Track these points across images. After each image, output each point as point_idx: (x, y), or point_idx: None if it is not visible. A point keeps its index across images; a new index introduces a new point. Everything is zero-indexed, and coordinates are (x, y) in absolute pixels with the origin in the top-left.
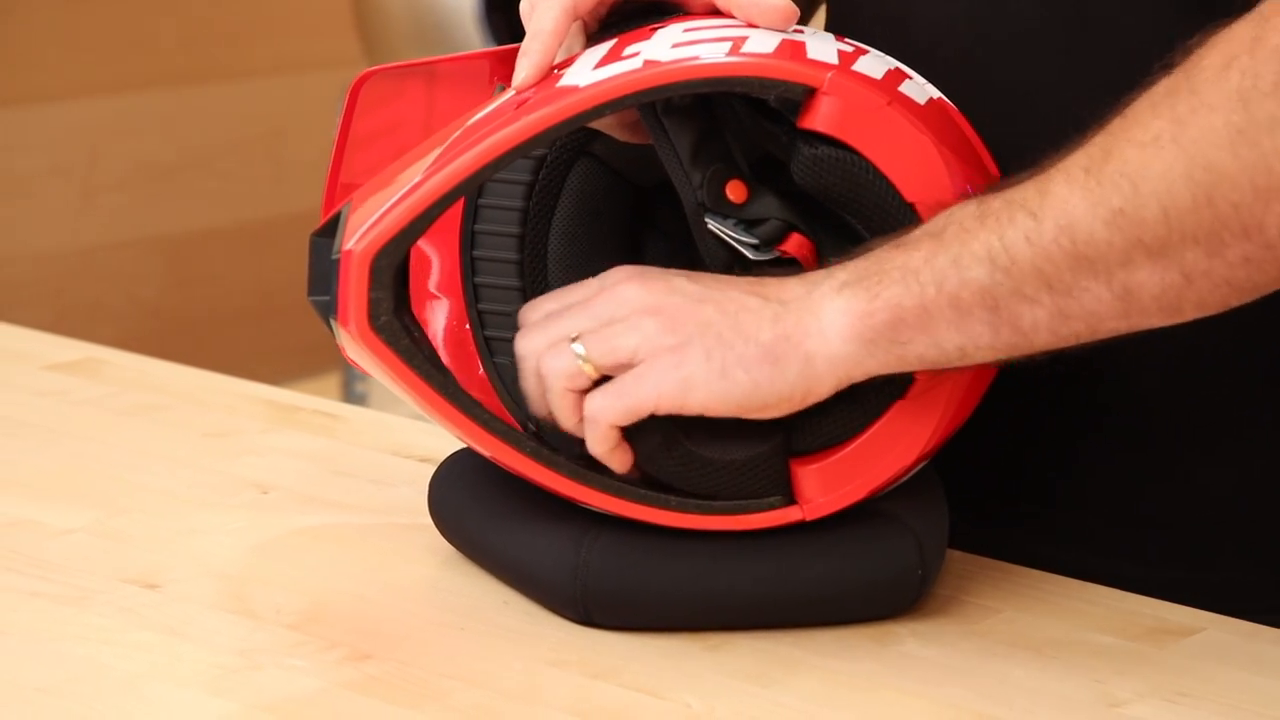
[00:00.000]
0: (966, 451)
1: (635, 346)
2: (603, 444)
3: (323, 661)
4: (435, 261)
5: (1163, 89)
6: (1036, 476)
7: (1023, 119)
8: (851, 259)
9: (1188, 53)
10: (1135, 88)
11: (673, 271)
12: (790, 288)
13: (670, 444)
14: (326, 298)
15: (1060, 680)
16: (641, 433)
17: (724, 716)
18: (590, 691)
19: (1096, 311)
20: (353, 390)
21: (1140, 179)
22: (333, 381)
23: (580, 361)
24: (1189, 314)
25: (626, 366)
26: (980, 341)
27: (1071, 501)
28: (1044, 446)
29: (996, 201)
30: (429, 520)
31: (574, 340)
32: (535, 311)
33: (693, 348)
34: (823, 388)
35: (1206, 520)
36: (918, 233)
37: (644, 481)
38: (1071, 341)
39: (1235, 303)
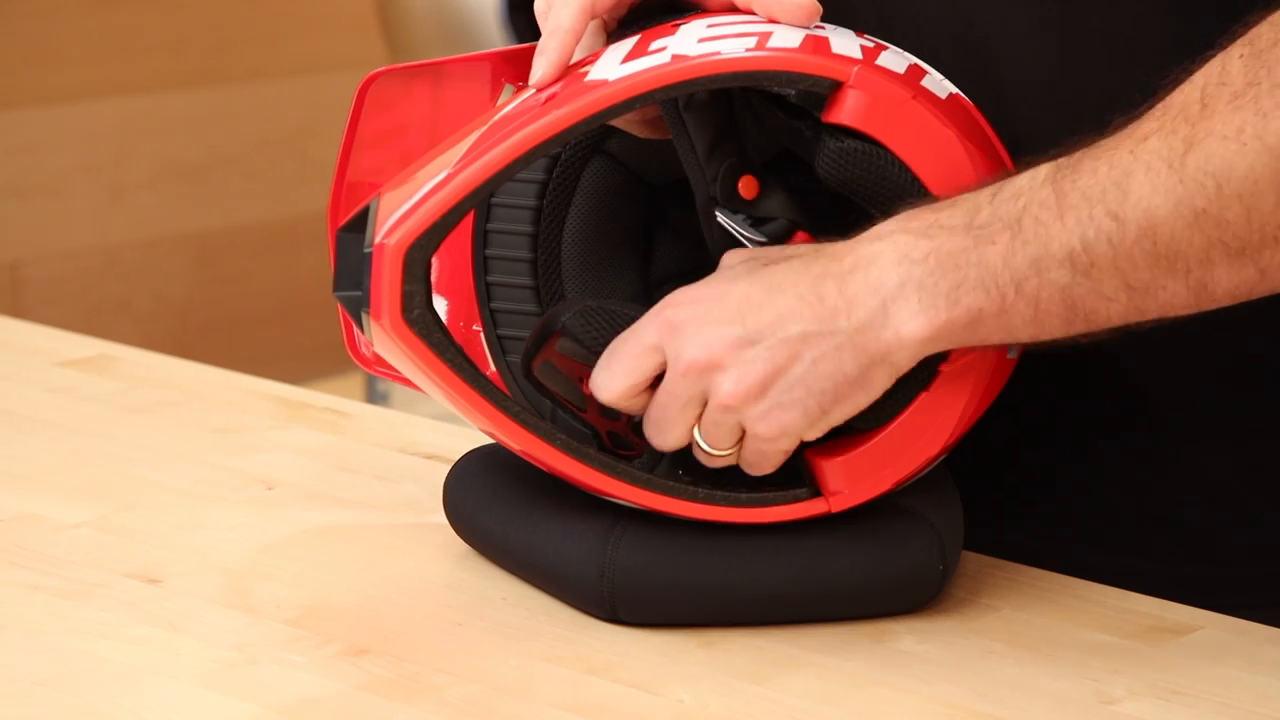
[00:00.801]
0: (973, 448)
1: (737, 423)
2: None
3: (319, 656)
4: (436, 262)
5: (1240, 76)
6: (1042, 473)
7: (1022, 120)
8: (920, 232)
9: (1246, 28)
10: (1133, 87)
11: (728, 302)
12: (861, 299)
13: None
14: (358, 292)
15: (1055, 678)
16: None
17: (717, 713)
18: (584, 687)
19: (1170, 304)
20: (375, 389)
21: (1225, 179)
22: (357, 380)
23: (713, 451)
24: (1258, 296)
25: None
26: (1053, 333)
27: (1077, 498)
28: (1049, 443)
29: (1074, 194)
30: (433, 517)
31: (696, 437)
32: (606, 391)
33: (789, 410)
34: (903, 373)
35: (1214, 515)
36: (988, 214)
37: (672, 474)
38: (1139, 323)
39: None
